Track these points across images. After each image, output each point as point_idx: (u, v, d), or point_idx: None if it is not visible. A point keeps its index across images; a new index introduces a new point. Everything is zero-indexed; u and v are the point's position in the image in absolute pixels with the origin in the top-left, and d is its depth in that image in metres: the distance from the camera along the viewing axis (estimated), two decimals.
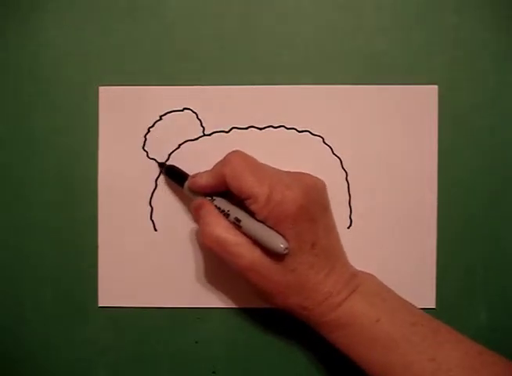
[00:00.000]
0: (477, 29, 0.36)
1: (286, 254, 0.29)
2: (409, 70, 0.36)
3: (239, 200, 0.31)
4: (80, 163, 0.36)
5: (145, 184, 0.36)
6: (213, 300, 0.36)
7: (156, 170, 0.36)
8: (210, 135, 0.36)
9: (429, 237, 0.35)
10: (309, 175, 0.32)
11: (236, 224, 0.30)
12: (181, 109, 0.36)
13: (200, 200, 0.32)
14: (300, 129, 0.36)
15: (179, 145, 0.36)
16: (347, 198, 0.36)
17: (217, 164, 0.32)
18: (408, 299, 0.35)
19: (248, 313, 0.36)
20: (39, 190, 0.36)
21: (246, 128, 0.36)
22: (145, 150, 0.36)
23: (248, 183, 0.30)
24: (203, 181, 0.32)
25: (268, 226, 0.29)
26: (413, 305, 0.31)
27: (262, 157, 0.36)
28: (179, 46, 0.36)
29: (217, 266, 0.36)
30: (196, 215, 0.32)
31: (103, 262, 0.36)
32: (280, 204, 0.29)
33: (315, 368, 0.36)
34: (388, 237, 0.36)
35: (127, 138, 0.36)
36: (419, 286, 0.35)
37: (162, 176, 0.36)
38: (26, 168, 0.36)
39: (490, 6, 0.36)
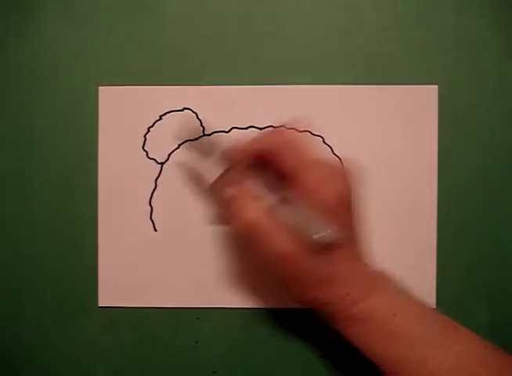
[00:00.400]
0: (477, 29, 0.36)
1: (323, 244, 0.28)
2: (409, 70, 0.36)
3: (276, 180, 0.30)
4: (80, 163, 0.36)
5: (145, 184, 0.36)
6: (213, 300, 0.36)
7: (157, 170, 0.36)
8: (210, 135, 0.36)
9: (429, 237, 0.35)
10: (343, 166, 0.31)
11: (271, 210, 0.29)
12: (181, 109, 0.36)
13: (234, 180, 0.31)
14: (300, 129, 0.36)
15: (179, 145, 0.36)
16: None
17: (256, 139, 0.31)
18: None
19: (248, 313, 0.36)
20: (39, 190, 0.36)
21: (246, 128, 0.36)
22: (145, 150, 0.36)
23: (295, 168, 0.29)
24: (246, 147, 0.31)
25: (308, 214, 0.28)
26: (426, 304, 0.31)
27: None
28: (179, 46, 0.36)
29: (217, 266, 0.36)
30: (225, 195, 0.31)
31: (103, 262, 0.36)
32: (323, 192, 0.29)
33: (315, 368, 0.36)
34: (388, 237, 0.36)
35: (127, 138, 0.36)
36: (419, 285, 0.35)
37: (162, 176, 0.36)
38: (26, 168, 0.36)
39: (490, 6, 0.36)
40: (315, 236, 0.27)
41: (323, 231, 0.28)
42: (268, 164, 0.30)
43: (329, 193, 0.29)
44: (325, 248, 0.28)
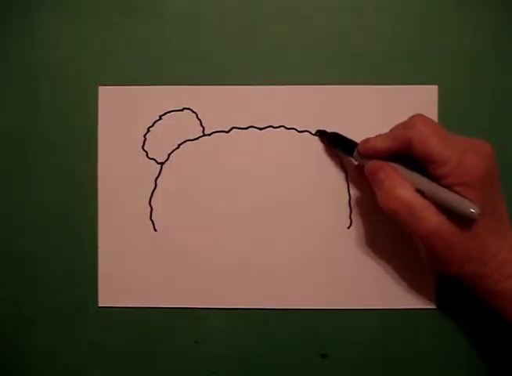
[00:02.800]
0: (477, 29, 0.36)
1: (475, 219, 0.29)
2: (409, 70, 0.36)
3: (418, 164, 0.30)
4: (80, 163, 0.36)
5: (145, 184, 0.36)
6: (213, 300, 0.36)
7: (156, 170, 0.36)
8: (210, 135, 0.36)
9: None
10: (485, 141, 0.31)
11: (419, 189, 0.30)
12: (181, 109, 0.36)
13: (378, 162, 0.32)
14: (300, 129, 0.36)
15: (179, 145, 0.36)
16: (348, 198, 0.36)
17: (396, 128, 0.32)
18: (408, 299, 0.35)
19: (248, 313, 0.36)
20: (39, 190, 0.36)
21: (247, 128, 0.36)
22: (144, 150, 0.36)
23: (437, 148, 0.29)
24: (381, 144, 0.32)
25: (453, 191, 0.29)
26: None
27: (262, 157, 0.36)
28: (179, 46, 0.36)
29: (217, 266, 0.36)
30: (373, 177, 0.32)
31: (103, 262, 0.36)
32: (469, 169, 0.29)
33: (315, 368, 0.36)
34: (388, 237, 0.36)
35: (126, 138, 0.36)
36: (419, 286, 0.35)
37: (162, 176, 0.36)
38: (26, 168, 0.36)
39: (490, 6, 0.36)
40: (465, 212, 0.28)
41: (471, 207, 0.28)
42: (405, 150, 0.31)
43: (474, 166, 0.29)
44: (473, 224, 0.29)
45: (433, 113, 0.35)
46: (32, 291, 0.36)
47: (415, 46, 0.36)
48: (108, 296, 0.36)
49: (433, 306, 0.35)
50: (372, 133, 0.36)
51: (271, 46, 0.36)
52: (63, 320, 0.36)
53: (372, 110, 0.36)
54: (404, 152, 0.31)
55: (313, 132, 0.36)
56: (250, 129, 0.36)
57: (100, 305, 0.36)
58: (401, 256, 0.35)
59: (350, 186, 0.36)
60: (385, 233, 0.36)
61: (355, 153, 0.33)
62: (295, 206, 0.36)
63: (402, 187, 0.30)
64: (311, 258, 0.35)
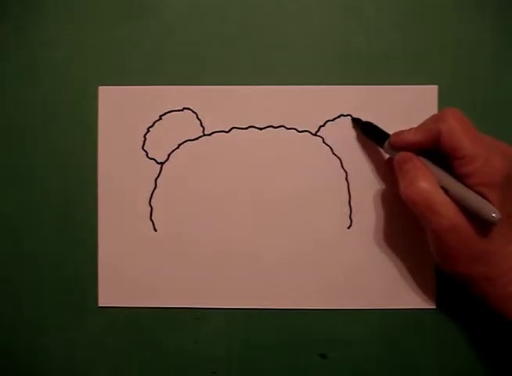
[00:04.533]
0: (477, 29, 0.36)
1: (495, 223, 0.29)
2: (409, 70, 0.36)
3: (446, 159, 0.30)
4: (80, 163, 0.36)
5: (145, 184, 0.36)
6: (213, 300, 0.36)
7: (157, 170, 0.36)
8: (210, 135, 0.36)
9: None
10: (504, 143, 0.31)
11: (443, 187, 0.30)
12: (181, 109, 0.36)
13: (408, 153, 0.31)
14: (300, 129, 0.36)
15: (179, 145, 0.36)
16: (348, 198, 0.36)
17: (427, 120, 0.32)
18: (408, 299, 0.35)
19: (248, 313, 0.36)
20: (39, 190, 0.36)
21: (247, 128, 0.36)
22: (144, 150, 0.36)
23: (467, 143, 0.29)
24: (411, 137, 0.31)
25: (475, 192, 0.29)
26: None
27: (262, 157, 0.36)
28: (179, 46, 0.36)
29: (217, 266, 0.36)
30: (400, 167, 0.32)
31: (103, 262, 0.36)
32: (494, 171, 0.29)
33: (314, 368, 0.36)
34: (388, 237, 0.36)
35: (126, 138, 0.36)
36: (419, 286, 0.35)
37: (162, 176, 0.36)
38: (26, 168, 0.36)
39: (490, 6, 0.36)
40: (487, 215, 0.28)
41: (493, 211, 0.28)
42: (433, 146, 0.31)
43: (499, 168, 0.29)
44: (489, 226, 0.29)
45: (433, 113, 0.35)
46: (32, 290, 0.36)
47: (415, 46, 0.36)
48: (108, 296, 0.36)
49: (433, 306, 0.35)
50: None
51: (271, 46, 0.36)
52: (63, 320, 0.36)
53: (372, 110, 0.36)
54: (433, 145, 0.31)
55: (313, 132, 0.36)
56: (250, 129, 0.36)
57: (100, 305, 0.36)
58: (401, 256, 0.35)
59: (350, 186, 0.36)
60: (385, 234, 0.36)
61: (386, 144, 0.33)
62: (295, 206, 0.36)
63: (425, 179, 0.30)
64: (311, 258, 0.35)
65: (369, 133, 0.35)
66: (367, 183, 0.36)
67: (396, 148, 0.32)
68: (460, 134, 0.30)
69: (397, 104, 0.35)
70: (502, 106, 0.36)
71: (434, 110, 0.35)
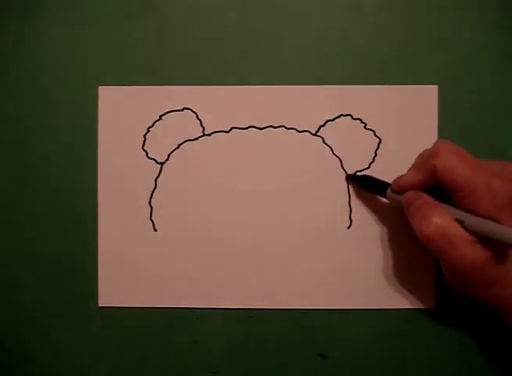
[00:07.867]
0: (477, 29, 0.36)
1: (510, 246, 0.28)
2: (409, 70, 0.36)
3: (448, 193, 0.30)
4: (80, 163, 0.36)
5: (145, 184, 0.36)
6: (213, 300, 0.36)
7: (156, 170, 0.36)
8: (210, 135, 0.36)
9: None
10: (508, 163, 0.31)
11: (458, 219, 0.29)
12: (181, 109, 0.36)
13: (414, 191, 0.31)
14: (300, 129, 0.36)
15: (179, 145, 0.36)
16: (347, 198, 0.36)
17: (420, 157, 0.32)
18: (408, 299, 0.35)
19: (248, 313, 0.36)
20: (39, 190, 0.36)
21: (246, 128, 0.36)
22: (144, 150, 0.36)
23: (463, 174, 0.29)
24: (412, 178, 0.31)
25: (489, 219, 0.28)
26: None
27: (262, 157, 0.36)
28: (179, 46, 0.36)
29: (217, 266, 0.36)
30: (411, 205, 0.31)
31: (103, 262, 0.36)
32: (498, 194, 0.29)
33: (315, 368, 0.36)
34: (388, 237, 0.36)
35: (126, 138, 0.36)
36: (418, 286, 0.35)
37: (162, 176, 0.36)
38: (25, 168, 0.36)
39: (490, 6, 0.36)
40: (504, 241, 0.27)
41: (510, 235, 0.27)
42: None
43: (501, 190, 0.29)
44: (507, 250, 0.29)
45: (433, 113, 0.35)
46: (32, 290, 0.36)
47: (415, 46, 0.36)
48: (108, 296, 0.36)
49: (433, 306, 0.35)
50: (372, 132, 0.36)
51: (270, 46, 0.36)
52: (63, 320, 0.36)
53: (372, 110, 0.36)
54: (434, 182, 0.30)
55: (313, 132, 0.36)
56: (250, 129, 0.36)
57: (100, 305, 0.36)
58: (401, 256, 0.35)
59: (350, 186, 0.36)
60: (385, 234, 0.36)
61: (389, 191, 0.33)
62: (295, 206, 0.36)
63: (439, 214, 0.29)
64: (311, 257, 0.35)
65: (368, 186, 0.35)
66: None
67: (400, 192, 0.32)
68: (455, 166, 0.29)
69: (397, 104, 0.35)
70: (502, 106, 0.36)
71: (434, 110, 0.35)
